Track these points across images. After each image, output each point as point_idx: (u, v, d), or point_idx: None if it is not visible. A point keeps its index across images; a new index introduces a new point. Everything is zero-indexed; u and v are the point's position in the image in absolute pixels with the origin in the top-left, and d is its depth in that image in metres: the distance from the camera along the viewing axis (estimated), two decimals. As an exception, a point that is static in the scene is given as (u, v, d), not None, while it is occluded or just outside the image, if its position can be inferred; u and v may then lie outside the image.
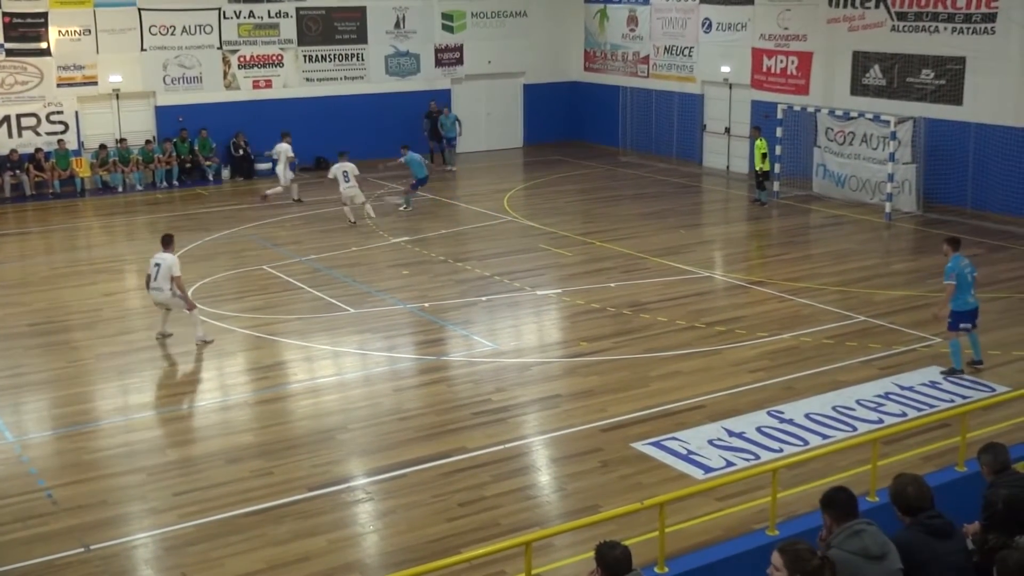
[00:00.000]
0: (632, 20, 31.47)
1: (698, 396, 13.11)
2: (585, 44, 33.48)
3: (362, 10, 30.61)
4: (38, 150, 26.64)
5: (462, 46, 32.21)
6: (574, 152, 32.01)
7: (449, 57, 32.11)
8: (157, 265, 15.13)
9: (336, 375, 14.47)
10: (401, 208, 24.33)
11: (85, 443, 12.27)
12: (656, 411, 12.69)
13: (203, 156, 28.42)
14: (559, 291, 17.84)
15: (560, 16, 33.42)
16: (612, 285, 18.00)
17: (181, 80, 28.48)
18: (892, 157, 22.66)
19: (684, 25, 29.76)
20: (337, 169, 23.24)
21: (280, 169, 25.38)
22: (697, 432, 12.02)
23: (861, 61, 25.02)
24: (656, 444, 11.76)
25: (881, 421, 12.21)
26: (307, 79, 30.13)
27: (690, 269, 19.00)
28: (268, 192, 25.00)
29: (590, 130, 33.42)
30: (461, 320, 16.46)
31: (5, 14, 26.28)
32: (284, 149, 25.48)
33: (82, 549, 9.78)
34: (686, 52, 29.79)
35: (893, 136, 22.63)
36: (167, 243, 15.55)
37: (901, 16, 23.99)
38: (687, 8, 29.55)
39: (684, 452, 11.52)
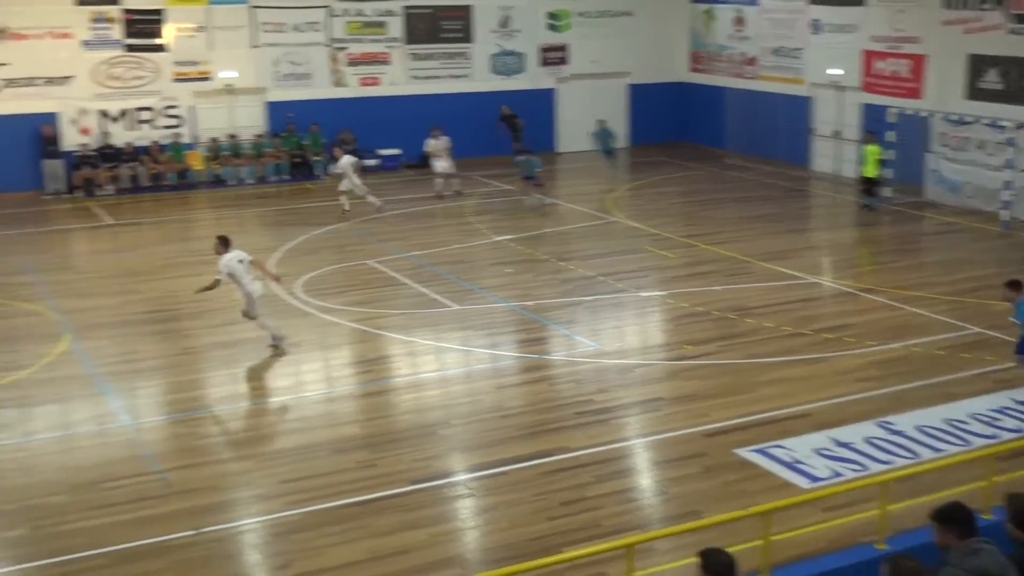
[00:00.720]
0: (739, 21, 31.09)
1: (804, 404, 12.89)
2: (691, 45, 33.21)
3: (468, 9, 30.82)
4: (154, 143, 27.45)
5: (567, 45, 32.21)
6: (679, 153, 31.76)
7: (554, 56, 32.14)
8: (241, 261, 14.94)
9: (438, 371, 14.60)
10: (540, 201, 24.56)
11: (196, 428, 12.60)
12: (760, 418, 12.52)
13: (312, 151, 28.92)
14: (663, 293, 17.72)
15: (666, 16, 33.19)
16: (717, 288, 17.81)
17: (291, 76, 29.04)
18: (1009, 163, 21.99)
19: (792, 26, 29.29)
20: (347, 163, 23.88)
21: (441, 164, 26.06)
22: (803, 441, 11.82)
23: (977, 64, 24.32)
24: (760, 451, 11.60)
25: (996, 436, 11.85)
26: (413, 77, 30.45)
27: (797, 274, 18.69)
28: (446, 192, 25.88)
29: (696, 131, 33.12)
30: (564, 319, 16.46)
31: (126, 11, 27.13)
32: (437, 144, 26.25)
33: (192, 532, 10.03)
34: (794, 53, 29.32)
35: (1011, 142, 21.95)
36: (230, 242, 15.18)
37: (1020, 19, 23.25)
38: (795, 9, 29.07)
39: (789, 460, 11.34)
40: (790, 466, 11.21)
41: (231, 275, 14.85)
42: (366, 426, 12.60)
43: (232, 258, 14.86)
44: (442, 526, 10.27)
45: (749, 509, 8.70)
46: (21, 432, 12.59)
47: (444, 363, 14.93)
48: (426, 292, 17.87)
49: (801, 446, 11.67)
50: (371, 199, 23.86)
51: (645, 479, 11.40)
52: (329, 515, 10.36)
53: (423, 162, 29.21)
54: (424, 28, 30.39)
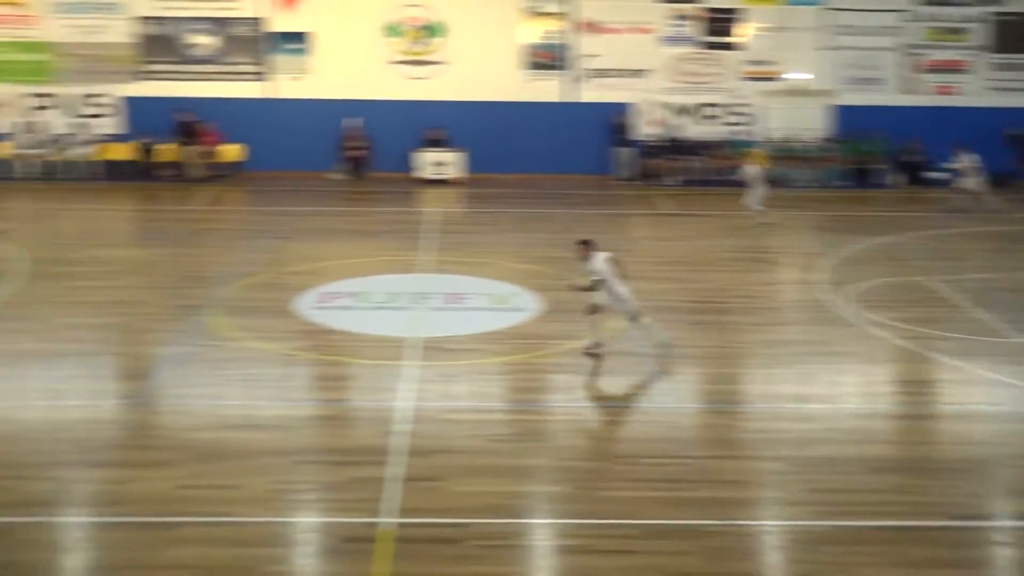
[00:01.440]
0: None
1: None
2: None
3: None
4: (717, 139, 28.29)
5: None
6: None
7: None
8: (606, 262, 14.46)
9: (989, 404, 13.59)
10: None
11: (731, 422, 12.85)
12: None
13: (876, 159, 28.15)
14: None
15: None
16: None
17: (860, 81, 28.44)
18: None
19: None
20: (753, 174, 23.16)
21: (968, 182, 24.85)
22: None
23: None
24: None
25: None
26: (993, 88, 28.50)
27: None
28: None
29: None
30: None
31: (707, 9, 28.16)
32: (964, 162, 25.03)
33: (722, 522, 10.21)
34: None
35: None
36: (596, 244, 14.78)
37: None
38: None
39: None
40: None
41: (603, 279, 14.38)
42: (903, 449, 12.12)
43: (602, 258, 14.47)
44: (976, 571, 9.60)
45: None
46: (567, 398, 13.58)
47: (995, 397, 13.86)
48: (985, 319, 16.69)
49: None
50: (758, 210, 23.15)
51: None
52: (859, 534, 10.07)
53: (996, 181, 27.25)
54: (1013, 37, 28.27)
